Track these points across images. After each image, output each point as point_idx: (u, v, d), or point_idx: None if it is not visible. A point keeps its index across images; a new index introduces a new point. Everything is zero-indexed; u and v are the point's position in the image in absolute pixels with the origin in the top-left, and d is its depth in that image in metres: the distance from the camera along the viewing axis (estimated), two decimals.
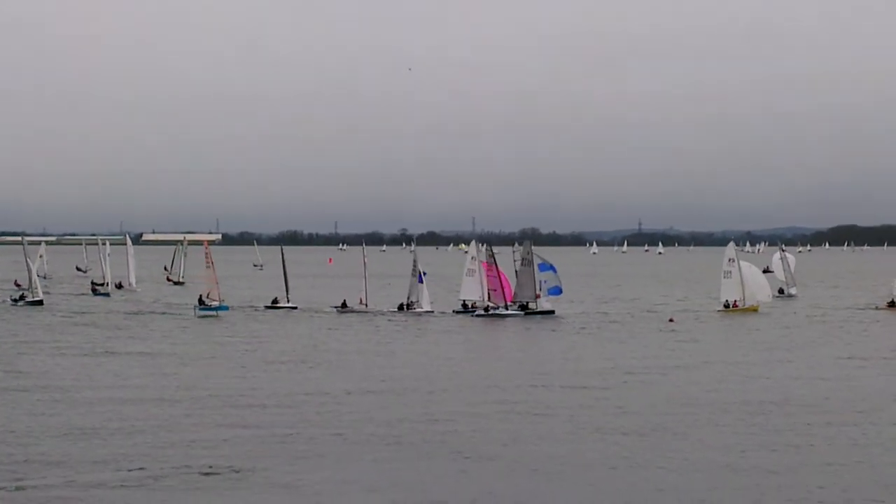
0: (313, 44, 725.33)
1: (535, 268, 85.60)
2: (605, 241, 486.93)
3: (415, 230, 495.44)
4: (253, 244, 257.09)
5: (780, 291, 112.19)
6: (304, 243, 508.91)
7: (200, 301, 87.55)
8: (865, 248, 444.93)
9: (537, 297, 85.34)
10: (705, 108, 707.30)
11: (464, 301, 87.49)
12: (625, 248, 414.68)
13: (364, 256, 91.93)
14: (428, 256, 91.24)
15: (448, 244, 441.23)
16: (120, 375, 49.68)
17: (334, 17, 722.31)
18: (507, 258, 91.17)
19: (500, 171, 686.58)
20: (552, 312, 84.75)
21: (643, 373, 51.05)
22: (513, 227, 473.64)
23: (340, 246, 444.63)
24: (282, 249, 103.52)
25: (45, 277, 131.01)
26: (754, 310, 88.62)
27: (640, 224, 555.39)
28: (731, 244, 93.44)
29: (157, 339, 67.08)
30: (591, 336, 69.90)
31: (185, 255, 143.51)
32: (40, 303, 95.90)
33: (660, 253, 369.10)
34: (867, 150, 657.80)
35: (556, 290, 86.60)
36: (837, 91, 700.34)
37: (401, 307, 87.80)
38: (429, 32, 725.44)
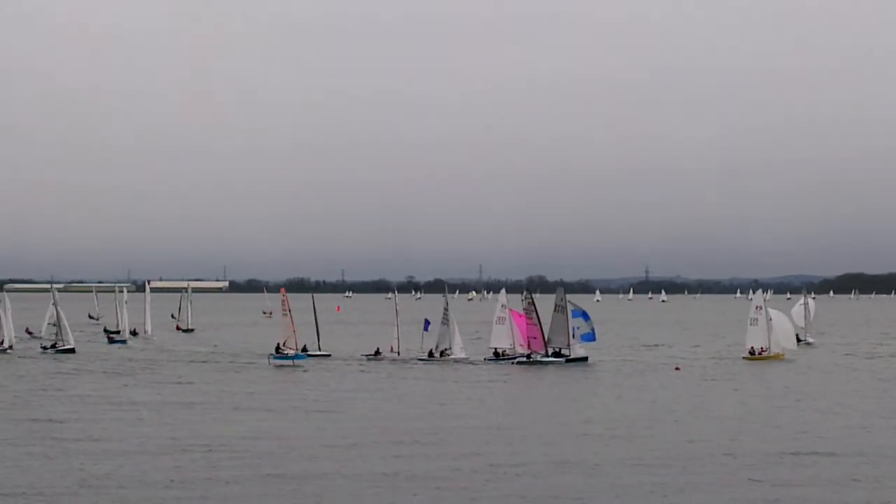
0: (317, 92, 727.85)
1: (569, 314, 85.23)
2: (613, 288, 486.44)
3: (422, 278, 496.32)
4: (262, 291, 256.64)
5: (798, 339, 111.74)
6: (311, 290, 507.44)
7: (277, 349, 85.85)
8: (873, 295, 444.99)
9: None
10: (712, 157, 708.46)
11: (495, 349, 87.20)
12: (630, 295, 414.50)
13: (396, 304, 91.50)
14: (438, 304, 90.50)
15: (454, 292, 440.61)
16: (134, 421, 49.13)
17: (336, 65, 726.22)
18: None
19: (507, 218, 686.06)
20: (586, 359, 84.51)
21: (679, 421, 50.72)
22: (519, 275, 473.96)
23: (347, 293, 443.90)
24: (312, 297, 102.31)
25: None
26: (780, 357, 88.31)
27: (647, 272, 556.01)
28: (759, 292, 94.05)
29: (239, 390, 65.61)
30: (628, 385, 69.36)
31: (191, 303, 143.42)
32: (72, 350, 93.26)
33: (663, 301, 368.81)
34: (875, 198, 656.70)
35: (590, 337, 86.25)
36: (846, 138, 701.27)
37: (430, 354, 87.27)
38: (432, 79, 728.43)
